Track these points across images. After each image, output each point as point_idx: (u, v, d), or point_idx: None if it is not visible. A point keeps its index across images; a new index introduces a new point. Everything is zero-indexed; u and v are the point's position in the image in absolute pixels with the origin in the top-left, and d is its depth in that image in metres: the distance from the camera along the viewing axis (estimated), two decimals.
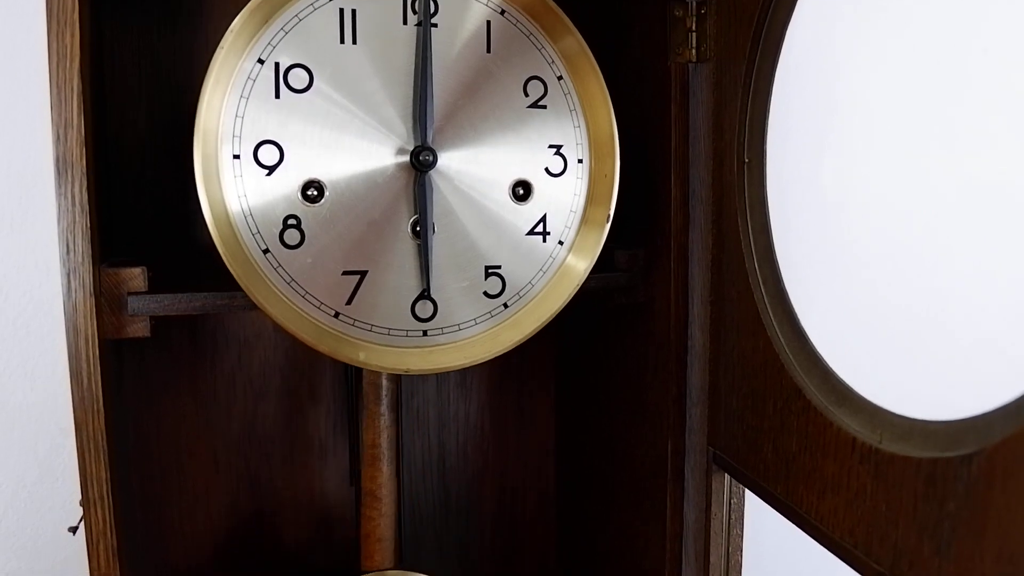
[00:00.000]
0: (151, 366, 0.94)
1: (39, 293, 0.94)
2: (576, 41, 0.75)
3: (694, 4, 0.79)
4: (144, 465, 0.95)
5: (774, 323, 0.71)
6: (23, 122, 0.92)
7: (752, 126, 0.74)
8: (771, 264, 0.72)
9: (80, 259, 0.64)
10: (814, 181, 0.69)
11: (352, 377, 0.92)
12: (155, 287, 0.69)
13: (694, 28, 0.79)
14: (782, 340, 0.70)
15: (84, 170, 0.63)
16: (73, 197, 0.63)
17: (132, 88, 0.89)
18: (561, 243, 0.77)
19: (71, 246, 0.63)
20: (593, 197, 0.78)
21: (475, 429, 1.10)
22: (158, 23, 0.89)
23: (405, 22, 0.71)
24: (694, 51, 0.80)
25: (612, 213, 0.77)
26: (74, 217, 0.63)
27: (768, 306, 0.72)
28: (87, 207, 0.63)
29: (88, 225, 0.64)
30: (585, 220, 0.78)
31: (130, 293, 0.68)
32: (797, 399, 0.65)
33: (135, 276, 0.69)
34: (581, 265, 0.77)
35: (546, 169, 0.76)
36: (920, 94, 0.59)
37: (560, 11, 0.75)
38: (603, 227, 0.76)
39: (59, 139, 0.62)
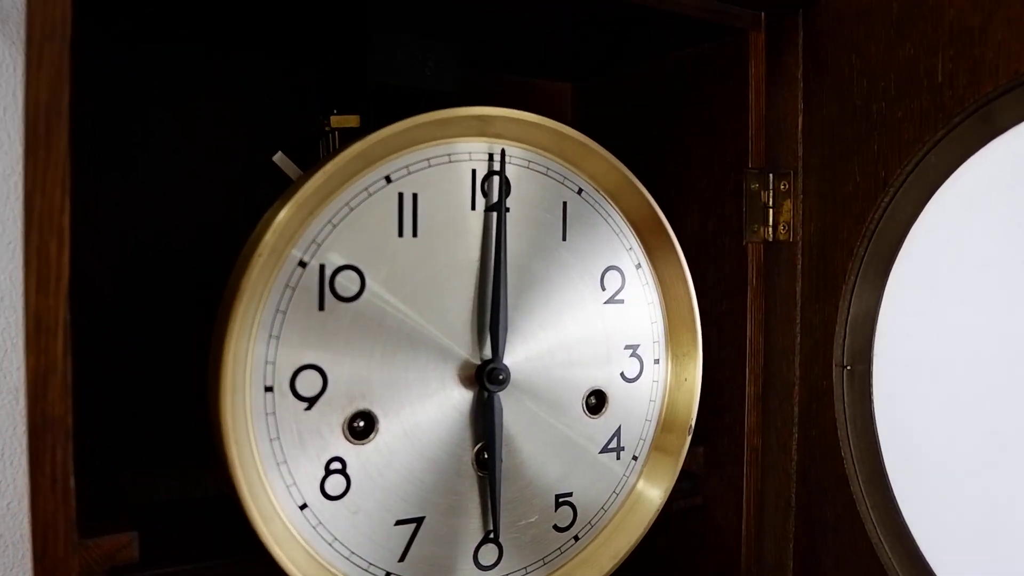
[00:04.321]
0: None
1: None
2: (666, 234, 0.64)
3: (772, 178, 0.70)
4: None
5: (895, 564, 0.62)
6: None
7: (855, 328, 0.65)
8: (884, 491, 0.64)
9: (61, 548, 0.46)
10: (943, 399, 0.61)
11: None
12: (150, 557, 0.52)
13: (771, 204, 0.71)
14: None
15: (68, 430, 0.46)
16: (54, 471, 0.46)
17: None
18: (635, 458, 0.66)
19: (48, 531, 0.46)
20: (671, 405, 0.67)
21: None
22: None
23: (473, 207, 0.58)
24: (771, 230, 0.71)
25: (694, 424, 0.66)
26: (55, 498, 0.46)
27: (884, 541, 0.63)
28: (69, 482, 0.46)
29: (69, 501, 0.46)
30: (657, 441, 0.66)
31: (117, 568, 0.51)
32: None
33: (124, 545, 0.51)
34: (659, 487, 0.66)
35: (621, 374, 0.65)
36: None
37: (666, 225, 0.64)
38: (680, 451, 0.65)
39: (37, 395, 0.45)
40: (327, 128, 0.62)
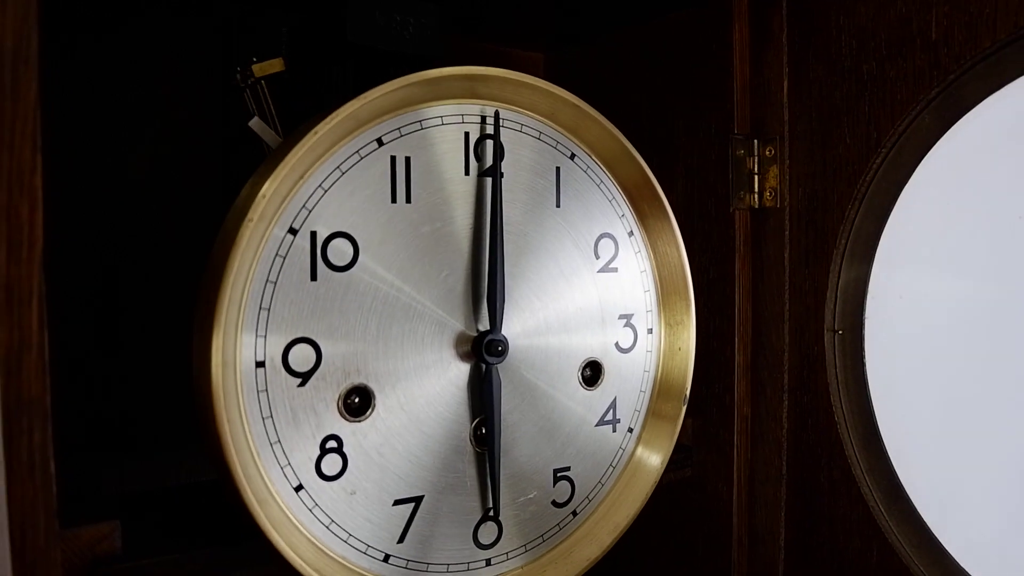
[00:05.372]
0: None
1: None
2: (660, 202, 0.63)
3: (758, 143, 0.70)
4: None
5: (892, 527, 0.62)
6: None
7: (846, 292, 0.65)
8: (879, 453, 0.64)
9: (41, 538, 0.42)
10: (936, 361, 0.61)
11: None
12: (131, 547, 0.49)
13: (756, 170, 0.70)
14: (907, 550, 0.61)
15: (46, 411, 0.42)
16: (31, 456, 0.42)
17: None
18: (631, 430, 0.64)
19: (27, 521, 0.42)
20: (665, 375, 0.65)
21: None
22: None
23: (467, 172, 0.56)
24: (757, 196, 0.70)
25: (688, 394, 0.65)
26: (33, 484, 0.42)
27: (880, 503, 0.63)
28: (49, 467, 0.42)
29: (49, 488, 0.43)
30: (653, 411, 0.65)
31: (98, 559, 0.47)
32: None
33: (105, 535, 0.48)
34: (655, 459, 0.64)
35: (616, 344, 0.63)
36: None
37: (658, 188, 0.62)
38: (676, 421, 0.64)
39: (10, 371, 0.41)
40: (251, 79, 0.58)
